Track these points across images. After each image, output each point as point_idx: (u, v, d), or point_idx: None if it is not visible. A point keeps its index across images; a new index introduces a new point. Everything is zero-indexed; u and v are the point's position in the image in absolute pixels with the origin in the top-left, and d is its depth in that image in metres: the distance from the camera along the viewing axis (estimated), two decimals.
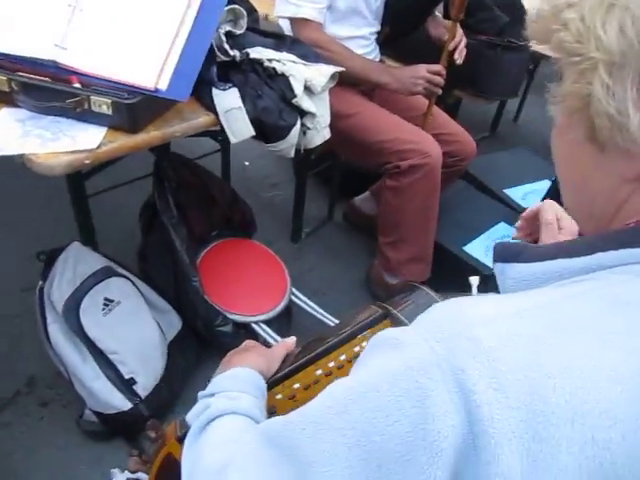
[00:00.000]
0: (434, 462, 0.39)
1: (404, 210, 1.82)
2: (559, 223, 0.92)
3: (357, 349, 0.87)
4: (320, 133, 1.44)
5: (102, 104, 1.13)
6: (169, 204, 1.59)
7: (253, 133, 1.30)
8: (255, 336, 1.77)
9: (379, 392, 0.42)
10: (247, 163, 2.78)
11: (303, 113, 1.37)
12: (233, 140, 1.29)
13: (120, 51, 1.15)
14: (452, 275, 2.02)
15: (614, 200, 0.51)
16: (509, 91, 2.57)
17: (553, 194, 2.02)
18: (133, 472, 0.88)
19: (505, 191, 2.40)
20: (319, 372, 0.86)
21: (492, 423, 0.39)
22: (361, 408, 0.43)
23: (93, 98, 1.13)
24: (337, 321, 1.89)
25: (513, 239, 1.03)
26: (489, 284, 1.92)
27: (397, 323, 0.87)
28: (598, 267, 0.47)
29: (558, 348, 0.41)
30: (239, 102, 1.25)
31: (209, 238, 1.86)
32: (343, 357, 0.86)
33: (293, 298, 1.88)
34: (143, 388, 1.51)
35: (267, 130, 1.32)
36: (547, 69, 3.54)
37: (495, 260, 0.54)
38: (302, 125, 1.38)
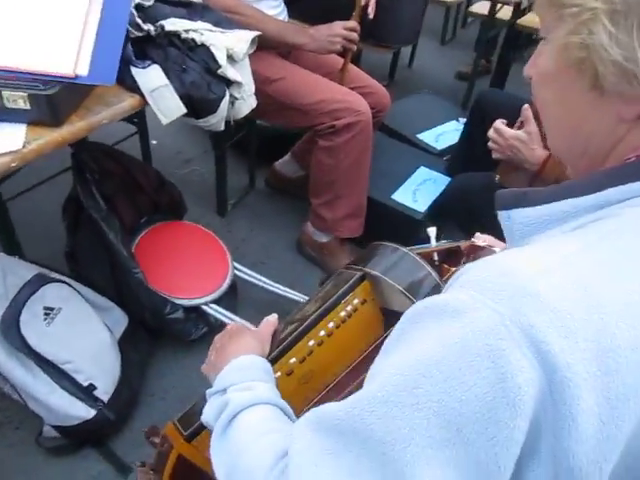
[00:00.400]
0: (517, 415, 0.42)
1: (339, 168, 1.82)
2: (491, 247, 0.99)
3: (342, 314, 0.88)
4: (247, 102, 1.40)
5: (17, 99, 1.03)
6: (95, 197, 1.49)
7: (184, 110, 1.23)
8: (206, 317, 1.74)
9: (450, 362, 0.43)
10: (154, 142, 2.64)
11: (229, 83, 1.32)
12: (164, 121, 1.22)
13: (30, 41, 1.04)
14: (383, 225, 2.09)
15: (610, 139, 0.54)
16: (410, 38, 2.61)
17: (466, 137, 2.11)
18: None
19: (418, 136, 2.47)
20: (311, 343, 0.86)
21: (569, 368, 0.41)
22: (434, 380, 0.44)
23: (6, 93, 1.02)
24: (283, 288, 1.90)
25: None
26: (420, 230, 1.97)
27: (377, 282, 0.89)
28: (606, 203, 0.50)
29: (612, 287, 0.44)
30: (164, 79, 1.18)
31: (139, 226, 1.77)
32: (331, 324, 0.87)
33: (236, 272, 1.86)
34: (104, 392, 1.44)
35: (197, 105, 1.26)
36: (435, 13, 3.63)
37: (499, 208, 0.56)
38: (230, 96, 1.33)
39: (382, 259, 0.90)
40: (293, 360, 0.84)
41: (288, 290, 1.90)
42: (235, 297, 1.87)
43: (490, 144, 1.46)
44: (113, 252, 1.54)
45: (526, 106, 1.37)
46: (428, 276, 0.85)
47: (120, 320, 1.62)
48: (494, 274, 0.46)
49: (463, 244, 1.00)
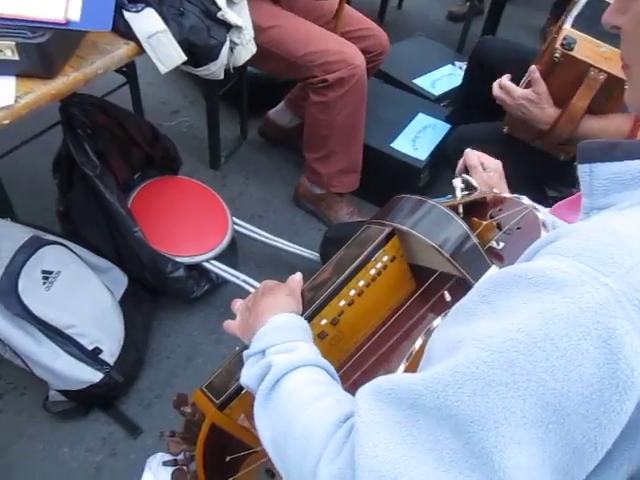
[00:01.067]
0: (626, 399, 0.39)
1: (333, 124, 1.75)
2: (483, 165, 1.01)
3: (372, 272, 0.85)
4: (247, 47, 1.32)
5: (4, 49, 0.94)
6: (88, 154, 1.41)
7: (184, 58, 1.15)
8: (208, 275, 1.70)
9: (553, 340, 0.40)
10: None
11: (228, 27, 1.23)
12: (163, 70, 1.14)
13: None
14: (383, 174, 2.04)
15: None
16: None
17: (466, 86, 2.04)
18: (176, 454, 0.82)
19: (414, 81, 2.39)
20: (342, 303, 0.83)
21: None
22: (533, 359, 0.40)
23: None
24: (283, 241, 1.86)
25: None
26: (420, 179, 1.92)
27: (406, 238, 0.85)
28: None
29: None
30: (161, 24, 1.09)
31: (133, 183, 1.70)
32: (362, 283, 0.84)
33: (235, 227, 1.81)
34: (110, 355, 1.41)
35: (197, 52, 1.17)
36: None
37: (581, 161, 0.51)
38: (229, 41, 1.24)
39: (409, 213, 0.86)
40: (324, 322, 0.81)
41: (288, 243, 1.86)
42: (235, 253, 1.82)
43: (498, 94, 1.41)
44: (110, 211, 1.47)
45: (533, 68, 1.33)
46: (459, 229, 0.81)
47: (120, 281, 1.57)
48: (600, 243, 0.41)
49: (489, 195, 0.96)
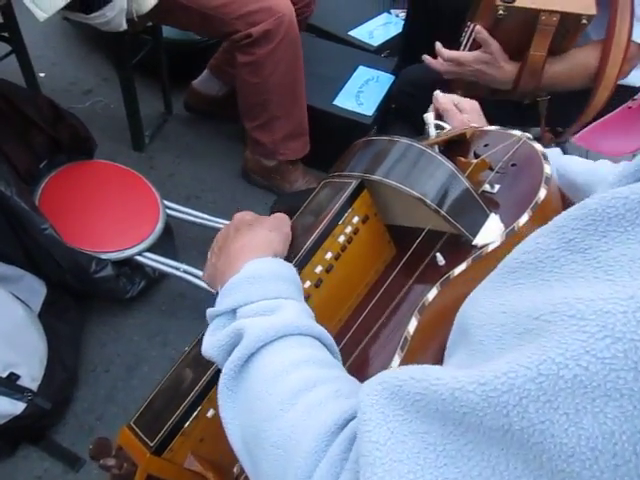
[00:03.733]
0: None
1: (268, 85, 1.54)
2: (457, 106, 0.87)
3: (341, 239, 0.65)
4: None
5: None
6: None
7: (66, 0, 0.90)
8: (142, 270, 1.47)
9: None
10: (42, 74, 2.23)
11: None
12: (42, 16, 0.89)
13: None
14: (329, 135, 1.84)
15: None
16: None
17: (408, 34, 1.87)
18: None
19: (350, 33, 2.20)
20: (307, 285, 0.63)
21: None
22: None
23: None
24: (225, 221, 1.64)
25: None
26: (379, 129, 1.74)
27: (378, 191, 0.66)
28: None
29: None
30: None
31: (38, 173, 1.44)
32: (329, 255, 0.65)
33: (168, 212, 1.58)
34: (31, 379, 1.17)
35: None
36: None
37: None
38: None
39: (378, 158, 0.67)
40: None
41: None
42: (172, 240, 1.60)
43: (448, 75, 1.27)
44: (9, 208, 1.22)
45: (478, 28, 1.19)
46: (446, 171, 0.63)
47: (36, 289, 1.33)
48: None
49: (468, 130, 0.78)
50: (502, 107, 1.34)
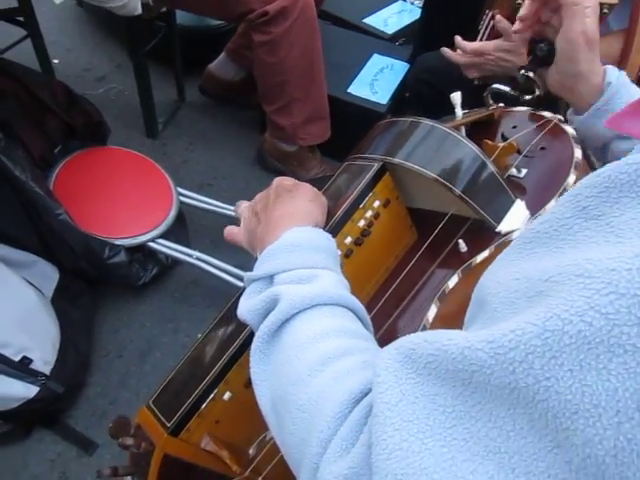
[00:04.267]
0: None
1: (285, 65, 1.52)
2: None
3: (361, 223, 0.64)
4: None
5: None
6: None
7: None
8: (155, 256, 1.47)
9: None
10: (56, 61, 2.23)
11: None
12: None
13: None
14: (343, 124, 1.83)
15: None
16: None
17: (425, 22, 1.85)
18: None
19: (365, 21, 2.18)
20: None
21: None
22: None
23: None
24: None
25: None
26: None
27: (400, 174, 0.65)
28: None
29: None
30: None
31: (53, 158, 1.44)
32: (348, 240, 0.64)
33: (181, 199, 1.57)
34: (44, 363, 1.17)
35: None
36: None
37: None
38: None
39: (400, 140, 0.66)
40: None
41: None
42: (185, 228, 1.59)
43: (468, 69, 1.24)
44: (24, 192, 1.21)
45: (499, 17, 1.15)
46: (471, 155, 0.61)
47: (49, 275, 1.33)
48: None
49: (496, 111, 0.76)
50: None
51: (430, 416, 0.31)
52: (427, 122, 0.64)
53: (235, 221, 1.74)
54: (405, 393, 0.32)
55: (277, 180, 0.60)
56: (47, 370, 1.18)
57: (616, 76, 0.65)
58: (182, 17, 1.90)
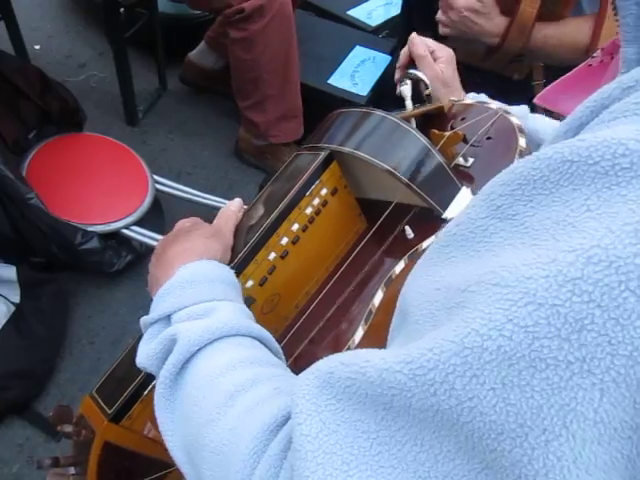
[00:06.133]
0: None
1: (260, 63, 1.52)
2: (433, 55, 0.83)
3: (309, 210, 0.65)
4: None
5: None
6: None
7: None
8: (129, 243, 1.47)
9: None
10: (37, 47, 2.22)
11: None
12: None
13: None
14: (321, 114, 1.82)
15: None
16: None
17: (406, 13, 1.85)
18: None
19: (349, 13, 2.17)
20: (272, 256, 0.63)
21: None
22: (603, 312, 0.22)
23: None
24: (215, 198, 1.64)
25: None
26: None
27: (348, 163, 0.66)
28: None
29: None
30: None
31: (27, 143, 1.44)
32: (295, 227, 0.64)
33: (158, 187, 1.57)
34: None
35: None
36: None
37: None
38: None
39: (351, 130, 0.66)
40: (250, 283, 0.60)
41: (221, 200, 1.63)
42: (161, 215, 1.59)
43: (439, 16, 1.26)
44: None
45: None
46: (418, 144, 0.62)
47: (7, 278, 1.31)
48: None
49: (447, 104, 0.77)
50: (491, 84, 1.33)
51: (354, 444, 0.29)
52: (378, 113, 0.65)
53: (213, 211, 1.75)
54: (325, 422, 0.29)
55: (178, 223, 0.61)
56: None
57: None
58: (163, 5, 1.90)
